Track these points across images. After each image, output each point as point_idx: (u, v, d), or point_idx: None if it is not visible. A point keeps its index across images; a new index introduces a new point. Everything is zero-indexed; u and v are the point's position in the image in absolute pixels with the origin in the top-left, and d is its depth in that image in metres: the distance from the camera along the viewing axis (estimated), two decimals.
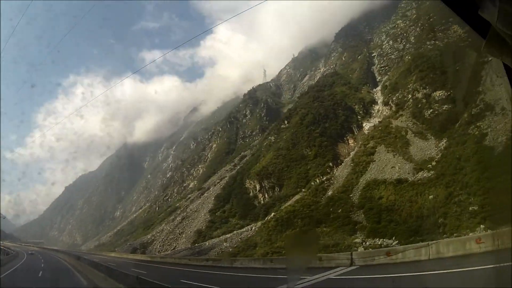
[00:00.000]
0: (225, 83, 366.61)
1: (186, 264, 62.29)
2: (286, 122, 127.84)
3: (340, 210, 70.83)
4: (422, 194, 63.21)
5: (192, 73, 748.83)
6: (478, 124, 73.48)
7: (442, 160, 71.77)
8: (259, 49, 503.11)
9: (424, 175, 70.27)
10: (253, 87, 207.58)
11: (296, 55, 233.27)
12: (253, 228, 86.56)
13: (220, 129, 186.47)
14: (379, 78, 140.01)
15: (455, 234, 46.86)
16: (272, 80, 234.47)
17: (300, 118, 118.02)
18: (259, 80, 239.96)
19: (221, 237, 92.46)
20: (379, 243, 54.24)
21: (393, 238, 54.56)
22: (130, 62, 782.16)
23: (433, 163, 73.09)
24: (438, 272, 23.29)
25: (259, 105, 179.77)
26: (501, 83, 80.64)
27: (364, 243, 55.86)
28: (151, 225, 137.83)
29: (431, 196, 60.95)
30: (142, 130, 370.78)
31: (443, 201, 57.84)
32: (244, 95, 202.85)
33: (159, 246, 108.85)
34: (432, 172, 69.73)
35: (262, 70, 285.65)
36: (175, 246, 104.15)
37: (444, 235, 47.68)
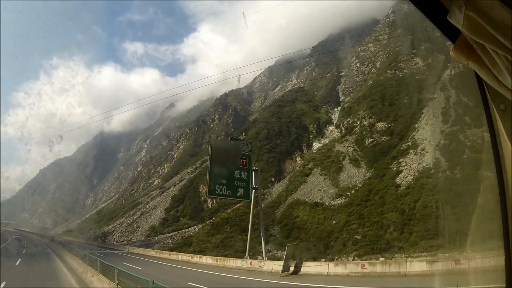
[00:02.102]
0: (204, 81, 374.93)
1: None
2: (243, 134, 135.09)
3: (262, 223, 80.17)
4: (329, 219, 73.26)
5: (173, 68, 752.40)
6: (400, 160, 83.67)
7: (360, 190, 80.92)
8: (238, 52, 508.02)
9: (339, 201, 79.39)
10: (225, 92, 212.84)
11: (272, 63, 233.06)
12: (196, 229, 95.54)
13: (189, 131, 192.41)
14: (342, 98, 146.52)
15: (335, 257, 58.47)
16: (245, 86, 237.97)
17: (256, 132, 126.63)
18: (235, 83, 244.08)
19: (169, 234, 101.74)
20: (277, 255, 64.74)
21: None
22: (112, 51, 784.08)
23: (352, 191, 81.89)
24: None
25: (228, 111, 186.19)
26: (433, 123, 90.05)
27: (268, 253, 66.10)
28: (114, 217, 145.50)
29: (334, 222, 71.31)
30: (119, 120, 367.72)
31: (340, 227, 68.64)
32: (216, 99, 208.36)
33: (118, 236, 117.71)
34: (346, 199, 79.02)
35: (242, 72, 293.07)
36: (131, 238, 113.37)
37: (329, 256, 59.18)
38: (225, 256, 61.01)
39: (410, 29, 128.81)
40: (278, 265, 40.78)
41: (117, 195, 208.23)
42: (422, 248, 53.46)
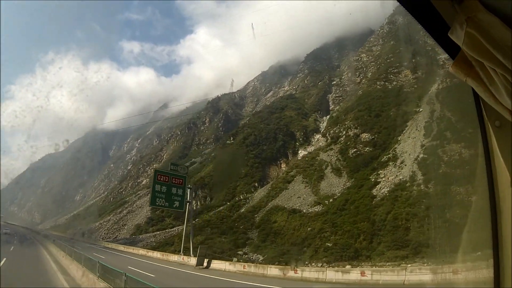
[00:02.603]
0: (198, 83, 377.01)
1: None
2: (232, 138, 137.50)
3: (242, 226, 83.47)
4: (304, 225, 75.68)
5: (169, 68, 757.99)
6: (379, 172, 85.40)
7: (338, 199, 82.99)
8: (234, 56, 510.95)
9: (316, 209, 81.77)
10: (218, 96, 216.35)
11: (266, 69, 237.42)
12: (178, 229, 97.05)
13: (179, 133, 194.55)
14: (332, 107, 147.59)
15: (306, 263, 61.09)
16: (238, 90, 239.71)
17: (244, 137, 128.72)
18: (229, 87, 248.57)
19: (153, 233, 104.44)
20: (252, 257, 67.54)
21: (265, 255, 67.64)
22: (109, 49, 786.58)
23: (330, 200, 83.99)
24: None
25: (219, 115, 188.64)
26: (415, 136, 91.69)
27: (244, 255, 68.97)
28: (102, 214, 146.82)
29: (309, 228, 73.65)
30: (113, 117, 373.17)
31: (314, 234, 71.00)
32: (208, 102, 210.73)
33: (104, 233, 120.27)
34: (323, 208, 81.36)
35: (236, 76, 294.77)
36: (117, 236, 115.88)
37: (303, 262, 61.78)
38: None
39: (402, 42, 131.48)
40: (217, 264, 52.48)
41: (106, 193, 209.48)
42: (387, 257, 55.79)
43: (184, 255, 60.75)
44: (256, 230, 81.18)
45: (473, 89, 2.86)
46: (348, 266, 50.47)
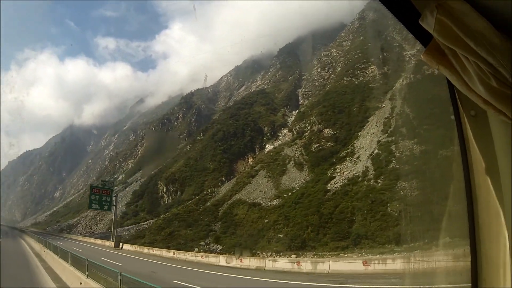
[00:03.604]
0: (174, 78, 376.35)
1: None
2: (202, 134, 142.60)
3: (206, 219, 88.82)
4: (262, 218, 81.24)
5: (145, 64, 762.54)
6: (336, 166, 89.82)
7: (295, 192, 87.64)
8: (209, 51, 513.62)
9: (274, 202, 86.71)
10: (191, 91, 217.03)
11: (240, 63, 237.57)
12: (150, 223, 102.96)
13: (153, 129, 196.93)
14: (301, 101, 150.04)
15: (258, 252, 67.07)
16: (211, 85, 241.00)
17: (213, 133, 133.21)
18: (203, 82, 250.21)
19: (127, 227, 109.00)
20: (213, 248, 73.66)
21: (224, 246, 73.78)
22: (85, 45, 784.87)
23: (289, 194, 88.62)
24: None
25: (192, 110, 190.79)
26: (374, 132, 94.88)
27: (206, 245, 75.10)
28: (80, 210, 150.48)
29: (266, 221, 79.16)
30: (90, 113, 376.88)
31: (269, 226, 76.87)
32: (181, 98, 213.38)
33: (82, 229, 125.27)
34: (281, 201, 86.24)
35: (210, 70, 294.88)
36: (94, 230, 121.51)
37: (255, 251, 67.78)
38: (168, 247, 70.41)
39: (371, 37, 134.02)
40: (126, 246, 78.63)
41: (84, 189, 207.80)
42: (329, 248, 61.57)
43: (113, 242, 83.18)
44: (219, 223, 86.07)
45: (447, 79, 2.95)
46: (293, 256, 56.36)
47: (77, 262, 25.13)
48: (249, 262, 46.10)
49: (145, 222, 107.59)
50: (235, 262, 46.92)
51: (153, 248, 70.00)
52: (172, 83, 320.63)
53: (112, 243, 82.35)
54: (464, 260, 3.08)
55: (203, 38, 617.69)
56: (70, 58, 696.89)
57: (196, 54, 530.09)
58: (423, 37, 2.72)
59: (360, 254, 53.63)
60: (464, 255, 3.09)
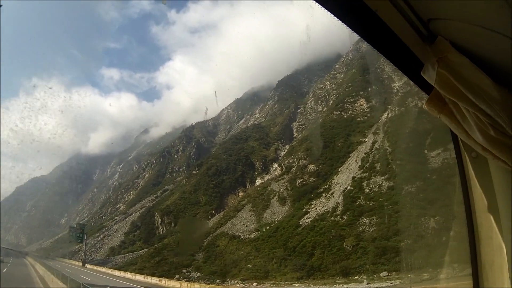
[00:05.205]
0: (177, 108, 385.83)
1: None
2: (197, 169, 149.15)
3: (192, 250, 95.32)
4: (238, 249, 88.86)
5: (150, 94, 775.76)
6: (312, 202, 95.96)
7: (272, 226, 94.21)
8: (210, 82, 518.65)
9: (252, 235, 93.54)
10: (192, 124, 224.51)
11: (240, 95, 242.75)
12: (144, 252, 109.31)
13: (154, 161, 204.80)
14: (295, 135, 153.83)
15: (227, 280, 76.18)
16: (212, 118, 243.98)
17: (207, 168, 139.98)
18: (205, 114, 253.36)
19: (123, 255, 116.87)
20: (192, 275, 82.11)
21: (202, 273, 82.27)
22: (90, 75, 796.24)
23: (268, 227, 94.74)
24: None
25: (191, 143, 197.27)
26: (352, 168, 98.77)
27: (187, 273, 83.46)
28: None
29: (241, 252, 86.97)
30: (96, 142, 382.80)
31: (243, 256, 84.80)
32: (182, 131, 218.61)
33: (83, 255, 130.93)
34: (258, 234, 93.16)
35: (212, 102, 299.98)
36: (94, 257, 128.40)
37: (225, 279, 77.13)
38: (154, 274, 79.42)
39: (361, 70, 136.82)
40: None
41: (88, 217, 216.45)
42: (287, 278, 69.87)
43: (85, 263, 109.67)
44: (202, 253, 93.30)
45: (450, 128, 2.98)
46: (255, 284, 65.60)
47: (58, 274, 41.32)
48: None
49: (140, 251, 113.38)
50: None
51: (123, 272, 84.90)
52: (176, 114, 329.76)
53: (80, 264, 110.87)
54: None
55: (203, 70, 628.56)
56: (76, 87, 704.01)
57: (198, 86, 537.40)
58: (425, 86, 2.95)
59: (308, 285, 62.28)
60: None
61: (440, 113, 2.77)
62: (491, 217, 2.98)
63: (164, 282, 66.02)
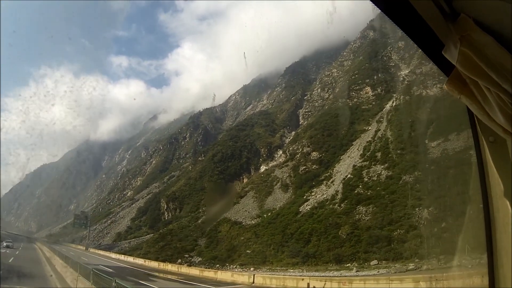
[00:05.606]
0: (186, 95, 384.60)
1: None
2: (203, 155, 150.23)
3: (195, 234, 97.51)
4: (239, 235, 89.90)
5: (158, 81, 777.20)
6: (313, 189, 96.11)
7: (273, 213, 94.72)
8: (218, 69, 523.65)
9: (253, 222, 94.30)
10: (199, 111, 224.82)
11: (248, 82, 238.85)
12: (149, 237, 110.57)
13: (161, 148, 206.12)
14: (301, 122, 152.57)
15: (227, 265, 77.26)
16: (220, 105, 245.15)
17: (213, 155, 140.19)
18: (212, 101, 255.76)
19: (129, 240, 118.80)
20: (194, 260, 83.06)
21: (203, 258, 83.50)
22: (99, 63, 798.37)
23: (269, 214, 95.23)
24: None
25: (198, 130, 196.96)
26: (354, 156, 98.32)
27: (189, 257, 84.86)
28: (91, 224, 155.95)
29: (242, 238, 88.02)
30: (105, 129, 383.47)
31: (243, 242, 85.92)
32: (189, 117, 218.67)
33: (90, 240, 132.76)
34: (259, 220, 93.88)
35: (220, 89, 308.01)
36: (101, 242, 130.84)
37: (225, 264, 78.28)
38: (157, 258, 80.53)
39: (368, 58, 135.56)
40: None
41: (97, 203, 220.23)
42: (283, 264, 70.63)
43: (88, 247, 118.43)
44: (205, 238, 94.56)
45: (467, 106, 2.96)
46: (252, 269, 67.04)
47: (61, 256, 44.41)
48: (205, 272, 57.85)
49: (146, 236, 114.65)
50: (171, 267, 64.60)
51: (123, 255, 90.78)
52: (184, 100, 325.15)
53: (84, 248, 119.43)
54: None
55: (211, 57, 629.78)
56: (85, 75, 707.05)
57: (206, 72, 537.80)
58: (446, 67, 2.91)
59: (301, 271, 63.46)
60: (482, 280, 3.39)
61: (460, 94, 2.80)
62: (508, 203, 3.00)
63: (162, 265, 68.31)
